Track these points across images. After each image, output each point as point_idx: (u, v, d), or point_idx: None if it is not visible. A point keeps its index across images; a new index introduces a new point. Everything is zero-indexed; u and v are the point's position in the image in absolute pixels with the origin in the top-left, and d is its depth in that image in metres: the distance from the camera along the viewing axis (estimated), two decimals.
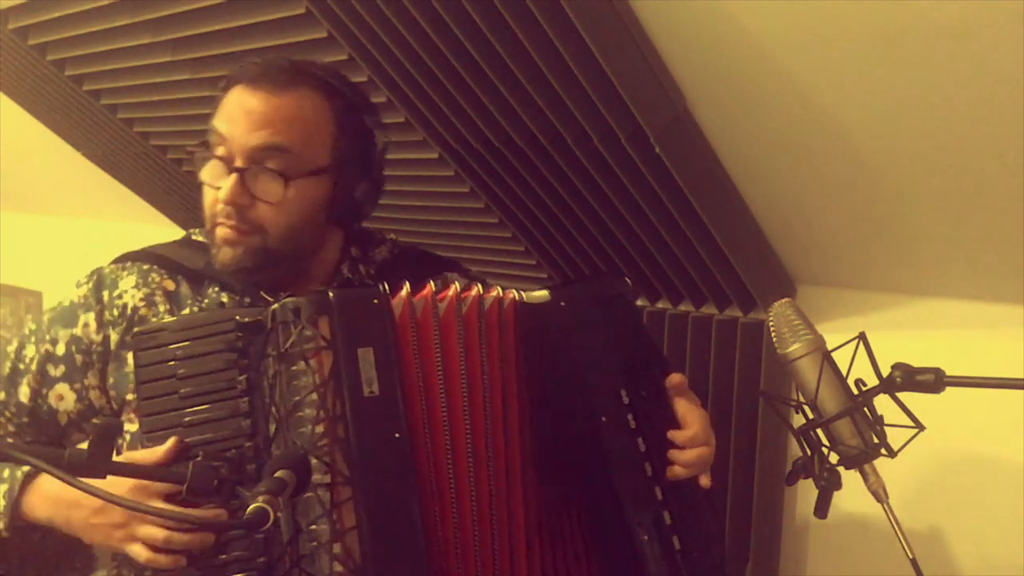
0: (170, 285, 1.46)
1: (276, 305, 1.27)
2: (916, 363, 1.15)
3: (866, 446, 1.18)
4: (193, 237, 1.52)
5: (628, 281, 1.46)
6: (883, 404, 1.18)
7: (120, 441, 1.40)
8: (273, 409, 1.25)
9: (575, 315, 1.39)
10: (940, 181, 1.57)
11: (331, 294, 1.28)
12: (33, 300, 4.21)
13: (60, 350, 1.45)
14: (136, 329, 1.35)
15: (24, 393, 1.46)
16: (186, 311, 1.43)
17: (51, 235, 4.04)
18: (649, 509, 1.34)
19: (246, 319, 1.28)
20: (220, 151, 1.37)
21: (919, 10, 1.29)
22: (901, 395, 1.16)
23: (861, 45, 1.40)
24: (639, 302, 2.17)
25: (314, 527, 1.21)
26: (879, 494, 1.18)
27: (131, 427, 1.39)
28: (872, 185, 1.66)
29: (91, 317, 1.44)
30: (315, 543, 1.20)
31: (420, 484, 1.26)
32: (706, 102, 1.68)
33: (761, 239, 1.90)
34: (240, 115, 1.36)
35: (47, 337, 1.46)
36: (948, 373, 1.13)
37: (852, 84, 1.48)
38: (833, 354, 1.20)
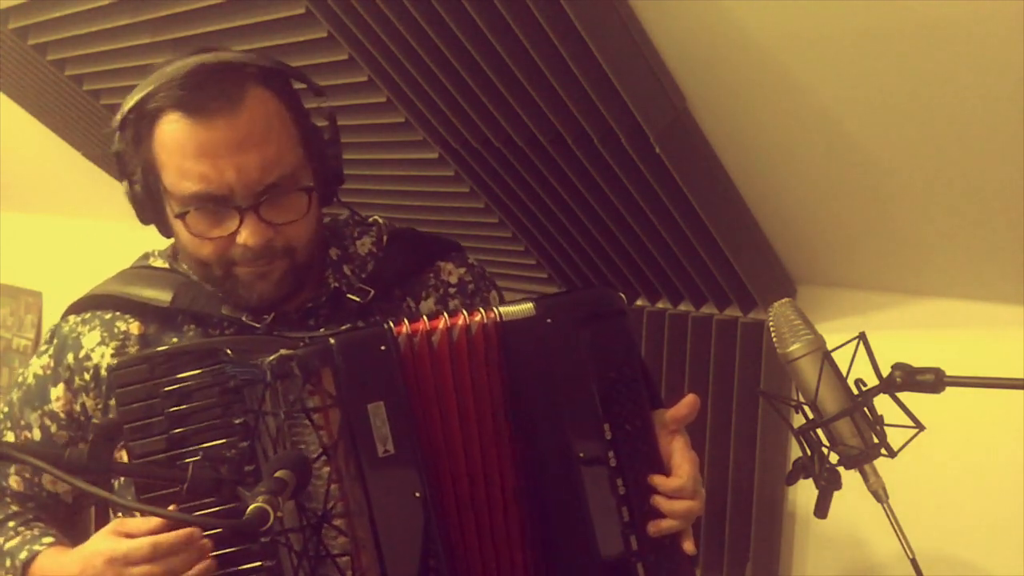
0: (139, 328, 1.33)
1: (272, 358, 1.13)
2: (916, 363, 1.15)
3: (866, 446, 1.18)
4: (152, 263, 1.39)
5: (623, 296, 1.33)
6: (883, 404, 1.18)
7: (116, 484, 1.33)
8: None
9: (560, 335, 1.25)
10: (941, 181, 1.57)
11: (332, 341, 1.16)
12: (33, 300, 4.21)
13: (37, 435, 1.36)
14: (112, 361, 1.27)
15: (16, 482, 1.38)
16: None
17: (51, 235, 4.04)
18: (622, 561, 1.24)
19: (237, 362, 1.16)
20: (206, 203, 1.22)
21: (920, 9, 1.29)
22: (901, 395, 1.15)
23: (861, 45, 1.40)
24: (639, 302, 2.18)
25: None
26: (879, 494, 1.17)
27: None
28: (872, 185, 1.66)
29: (61, 389, 1.34)
30: None
31: (445, 541, 1.19)
32: (706, 102, 1.68)
33: (761, 239, 1.90)
34: (216, 149, 1.19)
35: (21, 423, 1.37)
36: (948, 373, 1.13)
37: (852, 84, 1.48)
38: (833, 354, 1.20)
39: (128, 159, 1.29)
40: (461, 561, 1.22)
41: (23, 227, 4.14)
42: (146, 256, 1.41)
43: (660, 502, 1.25)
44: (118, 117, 1.27)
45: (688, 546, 1.28)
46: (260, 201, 1.22)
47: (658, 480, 1.26)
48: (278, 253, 1.26)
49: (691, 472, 1.27)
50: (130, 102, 1.25)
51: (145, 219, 1.32)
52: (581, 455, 1.24)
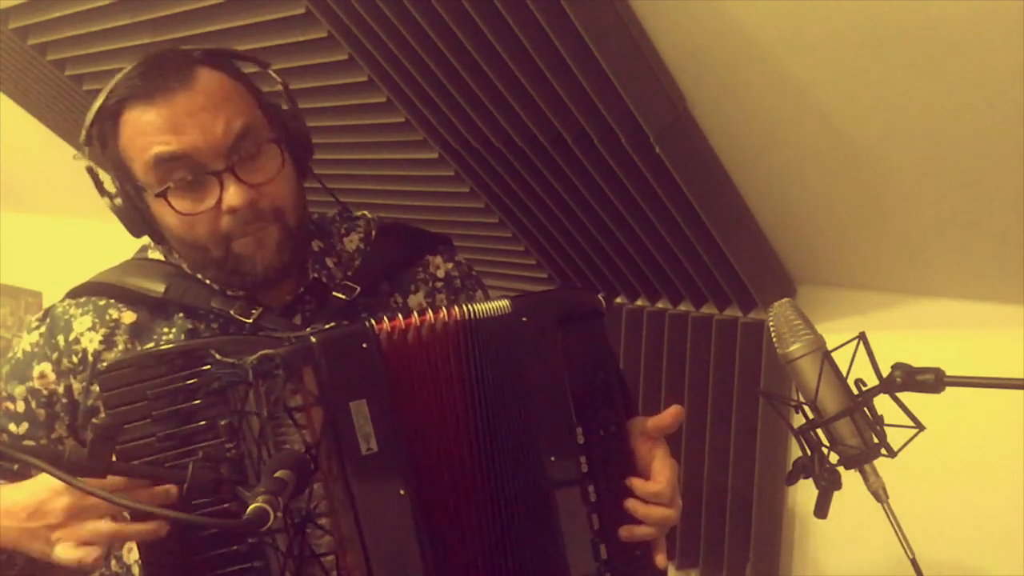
0: (130, 317, 1.35)
1: (254, 358, 1.12)
2: (916, 363, 1.15)
3: (866, 446, 1.18)
4: (150, 255, 1.41)
5: (601, 298, 1.30)
6: (883, 404, 1.18)
7: None
8: (263, 467, 1.12)
9: (535, 334, 1.23)
10: (940, 181, 1.57)
11: (314, 340, 1.14)
12: (33, 300, 4.21)
13: (20, 407, 1.35)
14: (102, 365, 1.27)
15: None
16: (150, 345, 1.31)
17: (51, 235, 4.04)
18: (590, 571, 1.23)
19: (222, 363, 1.13)
20: (180, 172, 1.23)
21: (919, 9, 1.29)
22: (901, 395, 1.15)
23: (861, 45, 1.40)
24: (639, 302, 2.18)
25: None
26: (879, 494, 1.17)
27: None
28: (872, 185, 1.66)
29: (47, 367, 1.34)
30: None
31: (430, 537, 1.18)
32: (706, 102, 1.68)
33: (761, 239, 1.90)
34: (177, 119, 1.22)
35: (4, 393, 1.36)
36: (948, 373, 1.13)
37: (852, 84, 1.48)
38: (833, 354, 1.20)
39: (100, 170, 1.33)
40: (445, 559, 1.21)
41: (23, 227, 4.14)
42: (144, 248, 1.44)
43: (636, 507, 1.24)
44: (83, 132, 1.32)
45: (660, 559, 1.26)
46: (233, 161, 1.24)
47: (636, 483, 1.25)
48: (267, 216, 1.27)
49: (670, 479, 1.26)
50: (90, 114, 1.30)
51: (136, 230, 1.35)
52: (552, 458, 1.22)
